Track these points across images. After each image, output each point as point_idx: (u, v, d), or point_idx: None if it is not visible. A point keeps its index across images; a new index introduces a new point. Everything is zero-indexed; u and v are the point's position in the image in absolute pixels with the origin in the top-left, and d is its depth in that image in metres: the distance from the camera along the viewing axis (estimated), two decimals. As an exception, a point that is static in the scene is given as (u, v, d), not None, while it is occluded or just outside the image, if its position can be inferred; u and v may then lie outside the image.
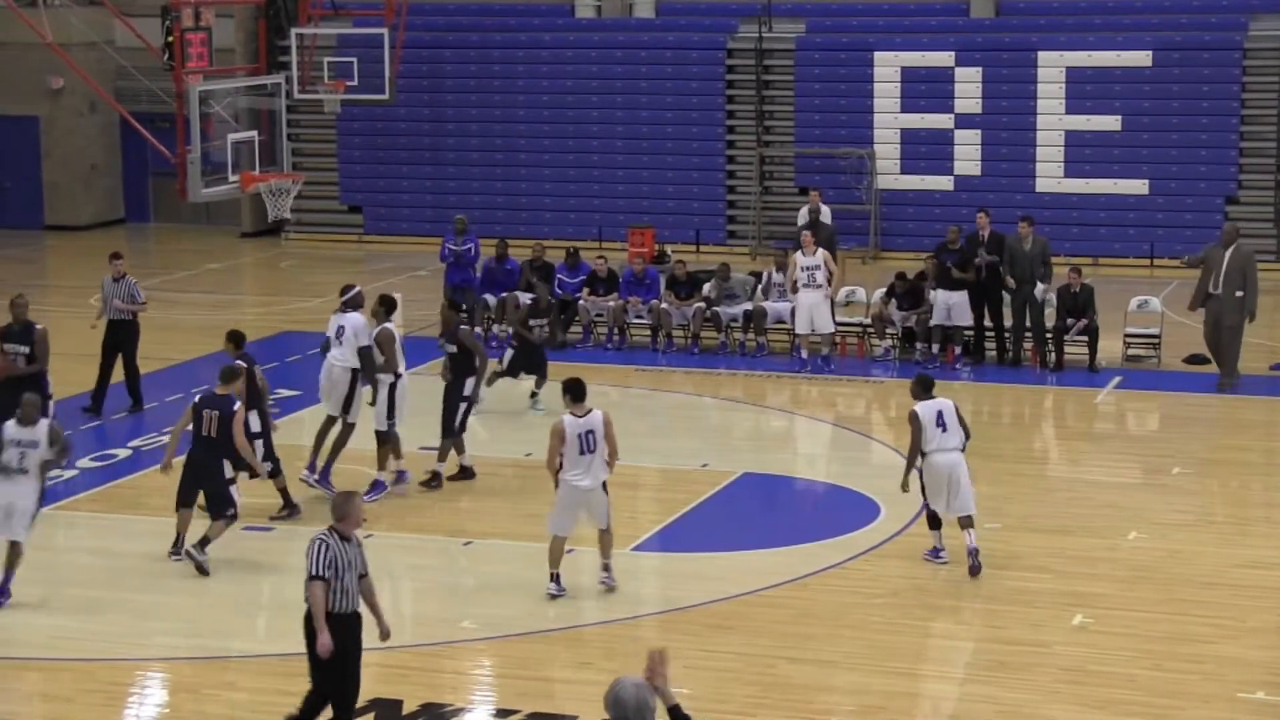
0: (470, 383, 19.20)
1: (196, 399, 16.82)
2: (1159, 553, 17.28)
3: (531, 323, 23.29)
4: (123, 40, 34.47)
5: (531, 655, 14.68)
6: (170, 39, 28.74)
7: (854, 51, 34.33)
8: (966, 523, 16.56)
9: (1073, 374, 24.72)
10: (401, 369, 18.81)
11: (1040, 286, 24.80)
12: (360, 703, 13.42)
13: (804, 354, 25.21)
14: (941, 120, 33.79)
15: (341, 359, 18.76)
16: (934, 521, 16.81)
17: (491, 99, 36.00)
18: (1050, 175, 33.41)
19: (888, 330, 25.88)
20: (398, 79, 33.69)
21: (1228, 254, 23.66)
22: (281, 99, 30.82)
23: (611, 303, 26.64)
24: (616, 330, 26.62)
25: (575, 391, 15.77)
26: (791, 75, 34.76)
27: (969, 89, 33.66)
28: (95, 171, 39.08)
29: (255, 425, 17.82)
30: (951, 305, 25.11)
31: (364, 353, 18.60)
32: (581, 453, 15.62)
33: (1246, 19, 33.42)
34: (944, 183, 33.85)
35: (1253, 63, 32.90)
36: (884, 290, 26.05)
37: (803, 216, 27.91)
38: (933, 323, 25.25)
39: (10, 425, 15.56)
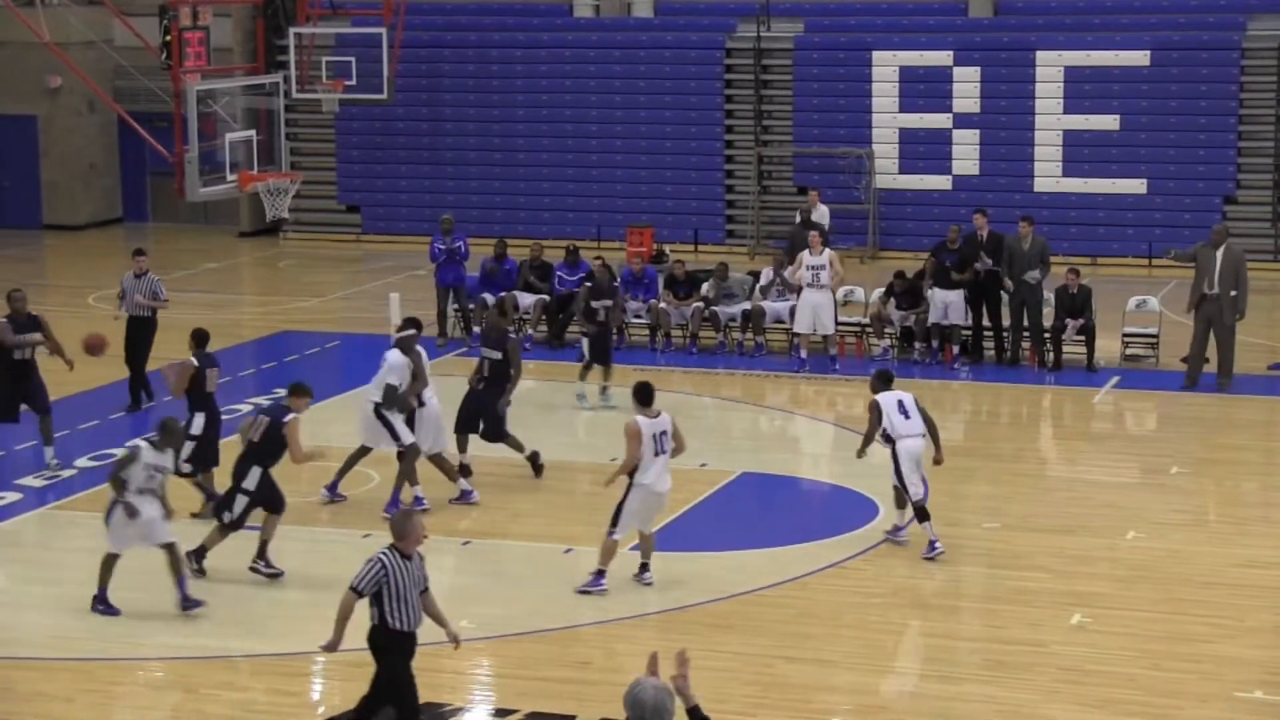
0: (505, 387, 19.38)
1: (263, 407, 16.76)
2: (1157, 552, 17.30)
3: (594, 305, 23.33)
4: (121, 39, 34.47)
5: (530, 655, 14.68)
6: (168, 38, 28.71)
7: (852, 51, 34.34)
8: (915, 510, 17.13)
9: (1071, 374, 24.73)
10: (427, 393, 18.70)
11: (1035, 273, 24.73)
12: (358, 703, 13.45)
13: (803, 353, 25.21)
14: (940, 120, 33.80)
15: (372, 394, 18.55)
16: (921, 514, 16.96)
17: (490, 99, 36.01)
18: (1048, 175, 33.43)
19: (886, 330, 25.88)
20: (396, 79, 33.70)
21: (1219, 254, 23.67)
22: (280, 98, 30.79)
23: (610, 302, 26.60)
24: (615, 329, 26.59)
25: (643, 395, 15.80)
26: (790, 75, 34.77)
27: (967, 88, 33.68)
28: (93, 171, 39.08)
29: (196, 427, 17.91)
30: (948, 304, 25.14)
31: (388, 389, 18.40)
32: (656, 454, 15.67)
33: (1244, 19, 33.43)
34: (942, 182, 33.86)
35: (1251, 62, 32.92)
36: (883, 290, 26.06)
37: (799, 219, 27.97)
38: (929, 321, 25.28)
39: (147, 449, 15.53)
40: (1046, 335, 24.98)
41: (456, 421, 19.38)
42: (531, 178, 35.79)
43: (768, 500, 19.73)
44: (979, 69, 33.68)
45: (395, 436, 18.22)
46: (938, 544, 16.88)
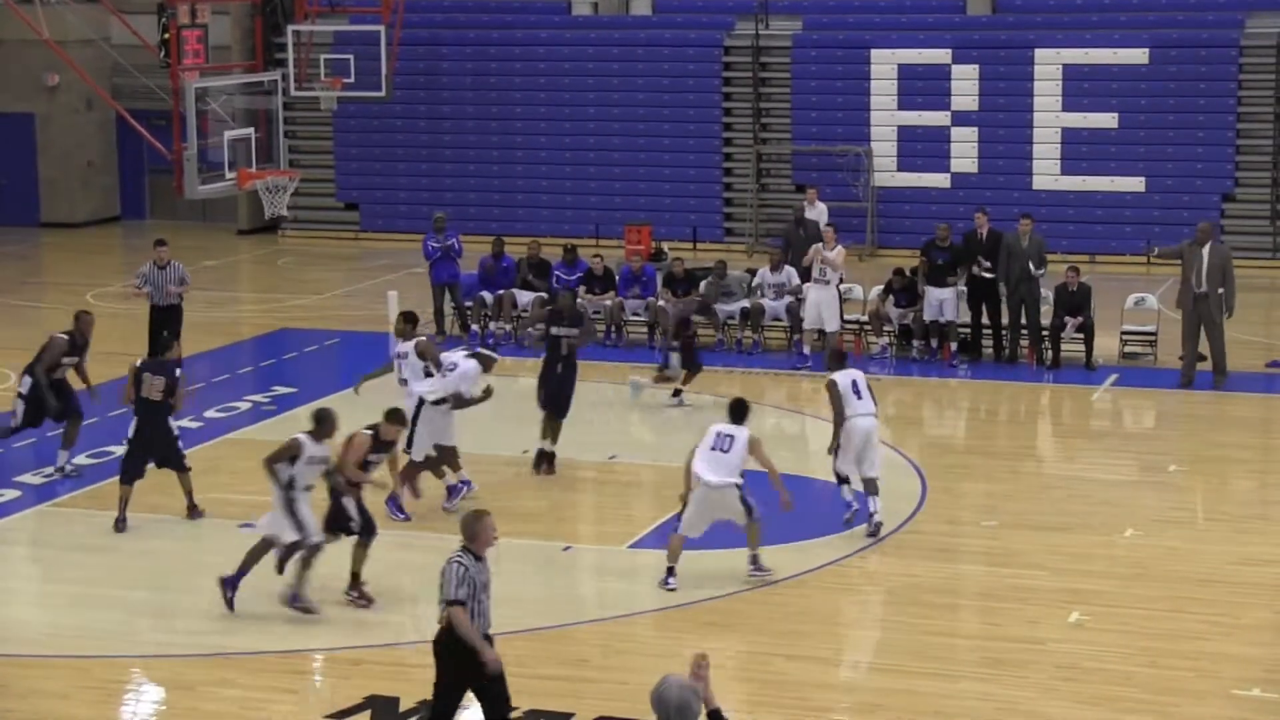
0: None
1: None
2: (1155, 550, 17.29)
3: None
4: (119, 37, 34.43)
5: (528, 653, 14.66)
6: (166, 36, 28.71)
7: (851, 49, 34.33)
8: (872, 487, 17.49)
9: (1069, 371, 24.72)
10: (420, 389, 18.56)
11: (1039, 270, 24.77)
12: (357, 700, 13.45)
13: (806, 349, 25.23)
14: (938, 118, 33.79)
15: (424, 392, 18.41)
16: (871, 487, 17.51)
17: (488, 96, 36.00)
18: (1047, 173, 33.41)
19: (885, 328, 25.88)
20: (394, 76, 33.68)
21: (1205, 252, 23.66)
22: (278, 96, 30.75)
23: (608, 301, 26.64)
24: (614, 328, 26.62)
25: (737, 413, 16.40)
26: (788, 72, 34.76)
27: (966, 86, 33.68)
28: (91, 168, 39.07)
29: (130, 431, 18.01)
30: (942, 301, 25.18)
31: (457, 396, 18.37)
32: (713, 449, 16.08)
33: (1243, 17, 33.42)
34: (941, 180, 33.85)
35: (1249, 60, 32.91)
36: (881, 287, 26.07)
37: (794, 217, 27.97)
38: (926, 319, 25.29)
39: (308, 442, 15.50)
40: (1045, 333, 24.99)
41: (544, 402, 19.78)
42: (530, 175, 35.79)
43: (766, 498, 19.68)
44: (977, 67, 33.68)
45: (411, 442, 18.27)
46: (877, 517, 17.37)
